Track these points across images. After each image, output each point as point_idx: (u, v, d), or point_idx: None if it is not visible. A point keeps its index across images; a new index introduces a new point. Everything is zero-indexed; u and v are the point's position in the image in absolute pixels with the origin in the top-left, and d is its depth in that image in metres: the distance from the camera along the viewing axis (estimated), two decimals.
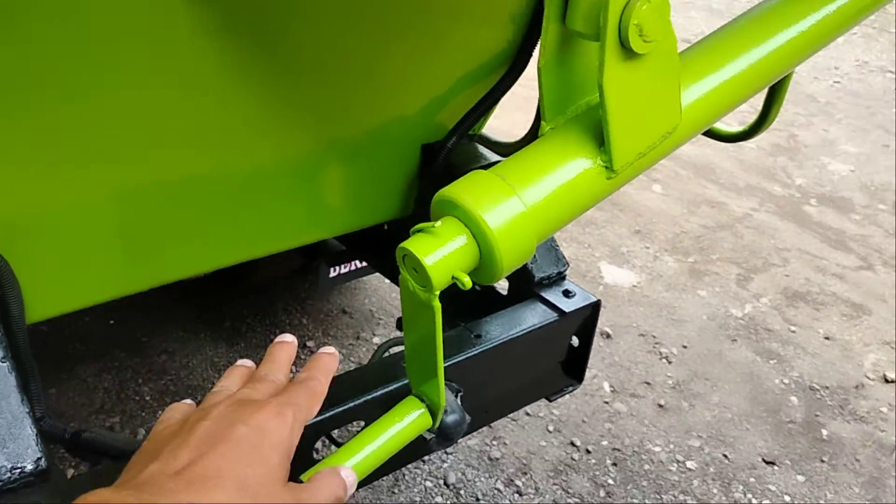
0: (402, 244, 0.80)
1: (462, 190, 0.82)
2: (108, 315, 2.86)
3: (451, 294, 0.87)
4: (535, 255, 1.55)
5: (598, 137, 0.86)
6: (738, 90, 0.96)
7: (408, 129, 1.62)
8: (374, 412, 1.16)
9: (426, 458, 2.43)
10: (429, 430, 1.12)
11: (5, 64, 1.01)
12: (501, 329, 1.42)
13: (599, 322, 1.55)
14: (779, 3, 1.04)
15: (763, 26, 1.02)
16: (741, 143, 3.51)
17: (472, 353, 1.36)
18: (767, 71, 0.99)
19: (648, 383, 2.83)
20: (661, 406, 2.74)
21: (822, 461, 2.58)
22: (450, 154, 1.60)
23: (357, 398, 1.22)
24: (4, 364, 1.04)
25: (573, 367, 1.59)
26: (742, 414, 2.74)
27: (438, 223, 0.81)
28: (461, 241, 0.81)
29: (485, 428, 2.56)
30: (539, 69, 0.86)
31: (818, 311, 3.28)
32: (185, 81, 1.19)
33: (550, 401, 1.63)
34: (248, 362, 0.96)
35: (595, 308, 1.54)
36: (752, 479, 2.50)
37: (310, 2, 1.22)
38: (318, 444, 1.24)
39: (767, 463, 2.56)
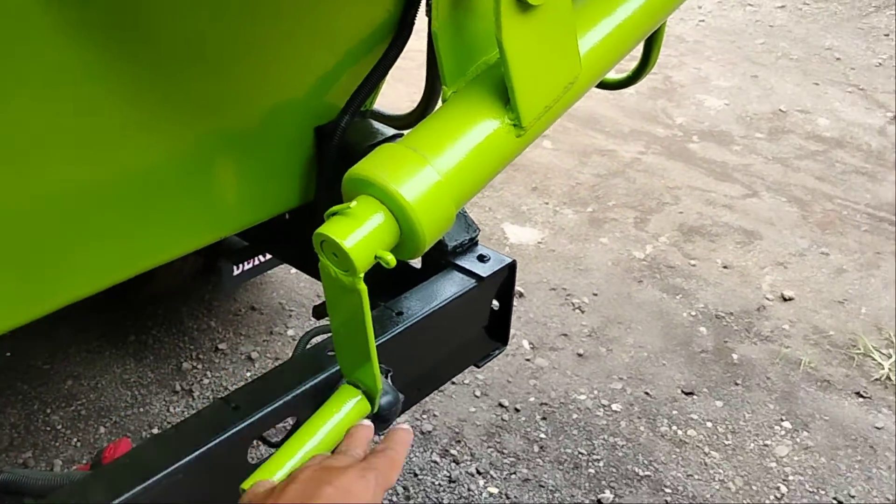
0: (318, 230, 0.76)
1: (373, 166, 0.79)
2: (3, 348, 2.69)
3: (366, 274, 0.85)
4: None
5: (503, 96, 0.84)
6: (630, 34, 0.97)
7: (297, 112, 1.56)
8: (305, 407, 1.13)
9: None
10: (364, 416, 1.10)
11: None
12: (422, 303, 1.41)
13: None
14: None
15: None
16: (621, 90, 3.59)
17: (397, 332, 1.34)
18: (655, 12, 1.00)
19: (566, 335, 2.89)
20: (580, 355, 2.80)
21: (737, 384, 2.70)
22: (345, 133, 1.56)
23: (286, 394, 1.18)
24: None
25: (497, 331, 1.59)
26: (657, 351, 2.83)
27: (353, 203, 0.77)
28: (379, 218, 0.78)
29: None
30: (434, 33, 0.84)
31: (714, 243, 3.41)
32: (47, 85, 1.10)
33: (479, 366, 1.63)
34: (327, 453, 0.99)
35: (511, 269, 1.55)
36: (674, 412, 2.59)
37: None
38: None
39: (687, 394, 2.66)
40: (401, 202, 0.78)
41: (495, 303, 1.57)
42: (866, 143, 4.21)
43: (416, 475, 2.37)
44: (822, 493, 2.34)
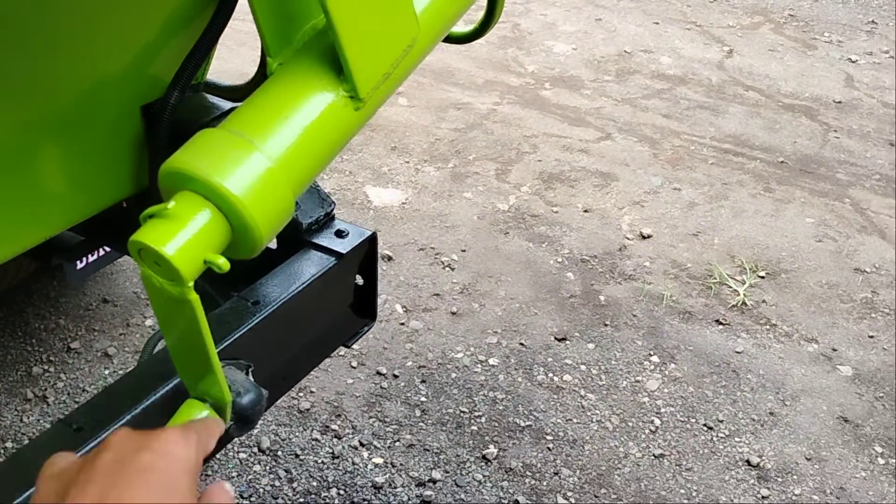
0: (133, 237, 0.67)
1: (192, 156, 0.69)
2: None
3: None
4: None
5: (336, 65, 0.76)
6: None
7: (118, 91, 1.41)
8: (159, 419, 1.03)
9: None
10: None
11: None
12: (279, 289, 1.31)
13: (378, 246, 1.50)
14: None
15: None
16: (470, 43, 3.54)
17: (254, 323, 1.24)
18: None
19: (438, 294, 2.86)
20: (454, 313, 2.78)
21: (606, 325, 2.76)
22: (175, 110, 1.42)
23: (135, 408, 1.07)
24: None
25: (364, 307, 1.52)
26: (528, 301, 2.85)
27: (171, 203, 0.68)
28: (204, 217, 0.68)
29: None
30: None
31: (573, 188, 3.46)
32: None
33: (348, 346, 1.57)
34: None
35: (372, 242, 1.47)
36: (549, 359, 2.62)
37: None
38: None
39: (559, 340, 2.70)
40: (228, 197, 0.69)
41: (359, 278, 1.50)
42: (707, 77, 4.37)
43: (297, 456, 2.29)
44: (693, 420, 2.44)
